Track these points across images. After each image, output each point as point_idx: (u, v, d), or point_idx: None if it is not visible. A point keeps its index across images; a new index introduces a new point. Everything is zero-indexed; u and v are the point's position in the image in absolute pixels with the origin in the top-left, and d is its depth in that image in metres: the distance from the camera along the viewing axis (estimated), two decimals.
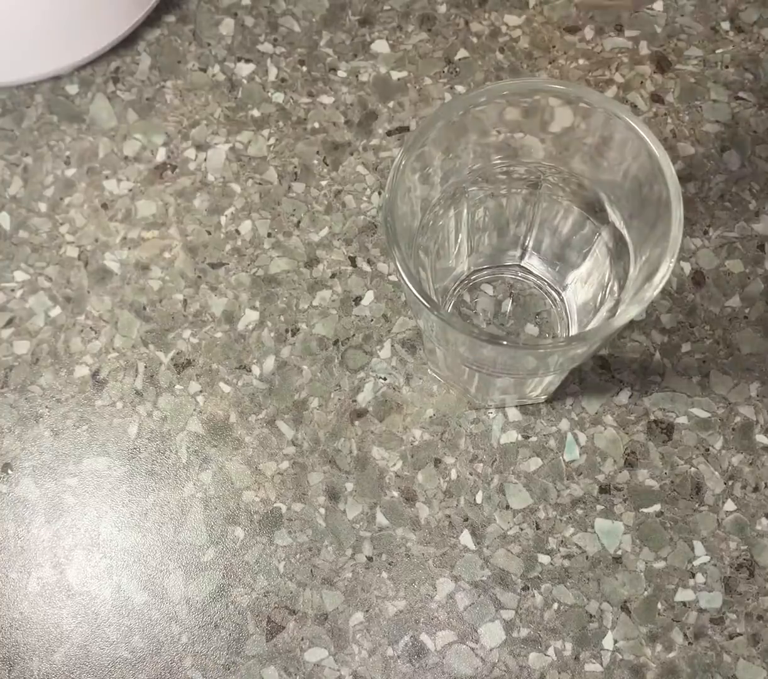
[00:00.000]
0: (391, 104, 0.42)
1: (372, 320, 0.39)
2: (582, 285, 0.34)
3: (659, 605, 0.36)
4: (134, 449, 0.38)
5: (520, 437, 0.37)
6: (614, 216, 0.30)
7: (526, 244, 0.36)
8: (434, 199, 0.31)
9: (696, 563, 0.36)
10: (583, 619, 0.36)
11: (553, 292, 0.37)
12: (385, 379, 0.38)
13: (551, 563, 0.36)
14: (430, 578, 0.36)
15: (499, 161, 0.31)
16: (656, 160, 0.25)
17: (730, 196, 0.39)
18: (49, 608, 0.37)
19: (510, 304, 0.38)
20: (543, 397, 0.37)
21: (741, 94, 0.41)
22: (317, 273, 0.40)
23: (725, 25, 0.42)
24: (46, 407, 0.39)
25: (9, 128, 0.42)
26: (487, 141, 0.29)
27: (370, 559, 0.37)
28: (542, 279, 0.37)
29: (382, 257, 0.40)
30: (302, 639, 0.36)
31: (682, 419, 0.37)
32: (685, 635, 0.35)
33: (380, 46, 0.43)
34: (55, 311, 0.40)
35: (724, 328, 0.38)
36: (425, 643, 0.36)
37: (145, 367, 0.39)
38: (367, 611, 0.36)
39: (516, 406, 0.38)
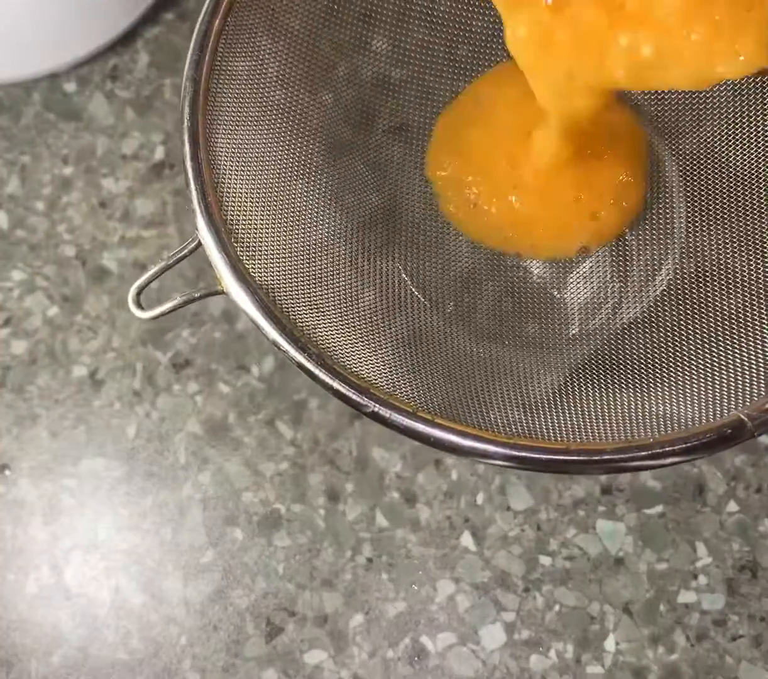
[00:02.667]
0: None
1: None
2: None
3: (661, 607, 0.35)
4: (132, 449, 0.38)
5: None
6: None
7: None
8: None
9: (698, 564, 0.36)
10: (584, 621, 0.35)
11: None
12: None
13: (552, 565, 0.36)
14: (430, 580, 0.36)
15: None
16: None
17: None
18: (47, 609, 0.37)
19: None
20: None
21: None
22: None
23: None
24: (44, 407, 0.39)
25: (6, 127, 0.42)
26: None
27: (370, 560, 0.36)
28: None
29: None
30: (302, 641, 0.36)
31: None
32: (687, 636, 0.35)
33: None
34: (53, 311, 0.40)
35: None
36: (426, 645, 0.36)
37: (144, 367, 0.39)
38: (367, 612, 0.36)
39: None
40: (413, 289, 0.33)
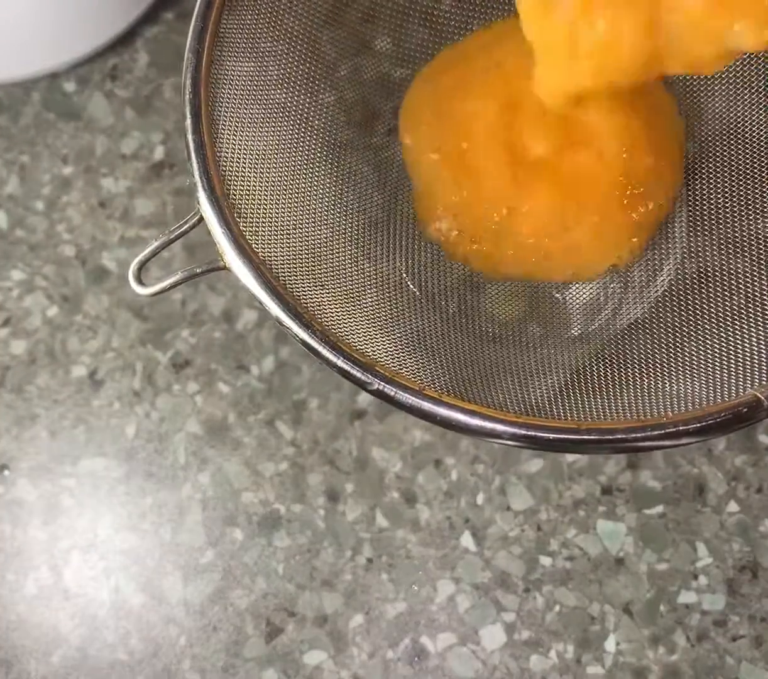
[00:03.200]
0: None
1: None
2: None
3: (662, 607, 0.35)
4: (132, 449, 0.38)
5: None
6: None
7: None
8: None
9: (699, 564, 0.36)
10: (584, 621, 0.35)
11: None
12: None
13: (553, 565, 0.36)
14: (430, 580, 0.36)
15: None
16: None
17: None
18: (46, 610, 0.37)
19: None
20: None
21: None
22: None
23: None
24: (43, 407, 0.39)
25: (6, 126, 0.42)
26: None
27: (369, 561, 0.36)
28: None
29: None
30: (301, 642, 0.36)
31: None
32: (687, 637, 0.35)
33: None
34: (52, 311, 0.40)
35: None
36: (426, 645, 0.36)
37: (143, 367, 0.39)
38: (367, 613, 0.36)
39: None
40: (411, 284, 0.32)
